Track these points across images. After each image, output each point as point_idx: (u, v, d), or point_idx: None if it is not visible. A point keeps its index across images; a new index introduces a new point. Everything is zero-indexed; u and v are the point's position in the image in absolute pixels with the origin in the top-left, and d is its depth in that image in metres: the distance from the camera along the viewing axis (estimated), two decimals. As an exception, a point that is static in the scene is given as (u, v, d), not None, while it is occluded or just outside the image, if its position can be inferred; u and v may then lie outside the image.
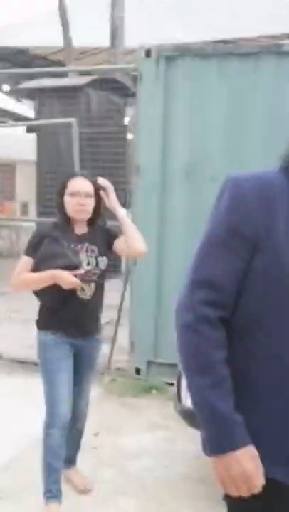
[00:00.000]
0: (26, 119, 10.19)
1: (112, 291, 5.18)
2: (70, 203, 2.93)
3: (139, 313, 4.76)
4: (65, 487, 3.08)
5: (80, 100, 8.77)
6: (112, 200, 2.99)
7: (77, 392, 3.08)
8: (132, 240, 2.93)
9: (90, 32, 11.66)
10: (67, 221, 2.99)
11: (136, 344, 4.80)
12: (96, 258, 2.95)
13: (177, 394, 3.19)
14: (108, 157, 8.49)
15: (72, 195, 2.93)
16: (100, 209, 3.02)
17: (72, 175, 3.04)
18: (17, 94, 11.82)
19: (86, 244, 2.96)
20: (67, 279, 2.82)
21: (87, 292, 2.95)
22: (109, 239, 3.02)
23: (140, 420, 4.14)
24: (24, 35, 14.77)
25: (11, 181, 14.69)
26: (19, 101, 12.67)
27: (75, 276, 2.84)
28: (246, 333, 1.44)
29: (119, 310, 4.99)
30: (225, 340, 1.44)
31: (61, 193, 2.96)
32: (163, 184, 4.61)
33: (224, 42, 15.01)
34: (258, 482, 1.39)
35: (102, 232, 3.04)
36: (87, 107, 8.82)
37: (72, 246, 2.93)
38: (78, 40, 12.43)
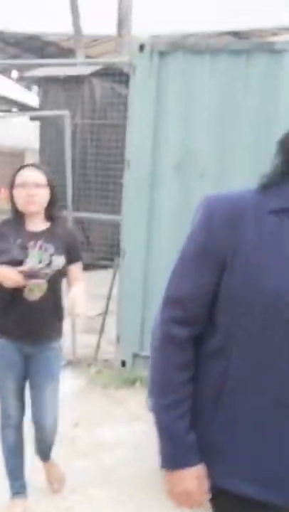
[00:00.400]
0: (31, 107, 10.21)
1: (106, 281, 5.25)
2: (19, 195, 2.70)
3: (126, 306, 4.80)
4: (38, 478, 3.14)
5: (84, 90, 8.78)
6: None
7: (39, 407, 2.85)
8: (73, 301, 2.68)
9: (100, 20, 11.66)
10: (19, 216, 2.76)
11: (122, 336, 4.84)
12: (50, 256, 2.70)
13: None
14: (112, 148, 8.52)
15: (20, 186, 2.70)
16: (54, 200, 2.80)
17: (23, 166, 2.81)
18: (26, 81, 11.85)
19: (40, 241, 2.70)
20: (7, 275, 2.60)
21: (37, 293, 2.69)
22: (71, 252, 2.81)
23: (121, 412, 4.20)
24: (37, 21, 14.76)
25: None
26: (29, 88, 12.69)
27: (21, 273, 2.61)
28: (222, 353, 1.46)
29: (108, 302, 5.04)
30: (191, 361, 1.49)
31: (11, 185, 2.74)
32: (153, 179, 4.63)
33: (237, 34, 14.98)
34: (199, 499, 1.49)
35: (67, 235, 2.83)
36: (92, 97, 8.83)
37: (20, 242, 2.68)
38: (88, 29, 12.44)
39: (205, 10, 14.24)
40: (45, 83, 8.96)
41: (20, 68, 13.51)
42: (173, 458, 1.48)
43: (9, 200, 2.77)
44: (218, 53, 4.40)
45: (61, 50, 16.32)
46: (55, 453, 3.34)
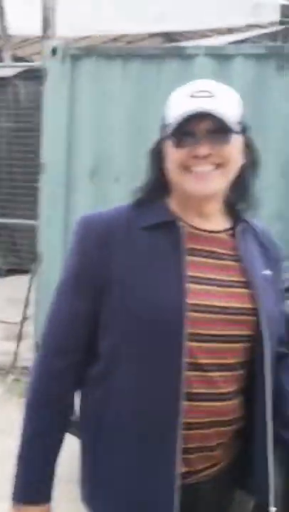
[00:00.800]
0: None
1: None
2: None
3: (43, 311, 4.74)
4: None
5: (8, 92, 8.66)
6: None
7: None
8: None
9: (29, 20, 11.52)
10: None
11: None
12: None
13: None
14: (38, 152, 8.42)
15: None
16: None
17: None
18: None
19: None
20: None
21: None
22: None
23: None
24: None
25: None
26: None
27: None
28: (103, 381, 1.42)
29: (25, 308, 4.99)
30: (67, 392, 1.47)
31: None
32: (68, 183, 4.61)
33: (168, 35, 15.06)
34: None
35: None
36: (16, 100, 8.72)
37: None
38: (18, 29, 12.28)
39: (135, 12, 14.26)
40: None
41: None
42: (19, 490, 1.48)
43: None
44: (130, 58, 4.41)
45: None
46: None
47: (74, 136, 4.55)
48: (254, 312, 1.41)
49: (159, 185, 1.45)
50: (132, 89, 4.40)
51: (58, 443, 1.49)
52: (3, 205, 8.06)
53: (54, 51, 4.52)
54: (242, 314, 1.40)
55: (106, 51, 4.49)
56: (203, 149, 1.35)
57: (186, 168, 1.38)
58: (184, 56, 4.28)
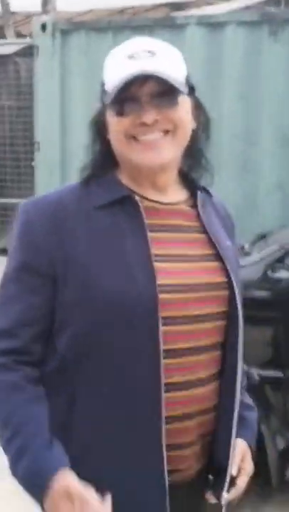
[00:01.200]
0: None
1: None
2: None
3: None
4: None
5: (8, 69, 8.58)
6: None
7: None
8: None
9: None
10: None
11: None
12: None
13: None
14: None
15: None
16: None
17: None
18: None
19: None
20: None
21: None
22: None
23: None
24: None
25: None
26: None
27: None
28: (64, 377, 1.28)
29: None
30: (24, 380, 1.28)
31: None
32: (63, 161, 4.58)
33: (172, 4, 14.86)
34: None
35: None
36: (17, 78, 8.65)
37: None
38: (20, 5, 12.16)
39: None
40: None
41: None
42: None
43: None
44: (121, 30, 4.35)
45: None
46: None
47: (67, 112, 4.51)
48: (227, 286, 1.31)
49: (105, 159, 1.31)
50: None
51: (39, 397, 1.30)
52: (4, 185, 8.04)
53: (44, 27, 4.45)
54: (214, 290, 1.30)
55: (96, 24, 4.42)
56: (149, 115, 1.22)
57: (131, 137, 1.24)
58: (175, 26, 4.20)
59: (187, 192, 1.37)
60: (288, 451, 2.62)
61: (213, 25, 4.11)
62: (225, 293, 1.31)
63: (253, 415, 1.47)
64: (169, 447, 1.25)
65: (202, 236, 1.34)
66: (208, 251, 1.33)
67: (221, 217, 1.42)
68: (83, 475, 1.21)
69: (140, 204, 1.27)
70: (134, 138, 1.24)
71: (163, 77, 1.20)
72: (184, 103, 1.26)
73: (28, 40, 5.04)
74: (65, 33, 4.42)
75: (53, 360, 1.29)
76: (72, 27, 4.42)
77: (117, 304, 1.21)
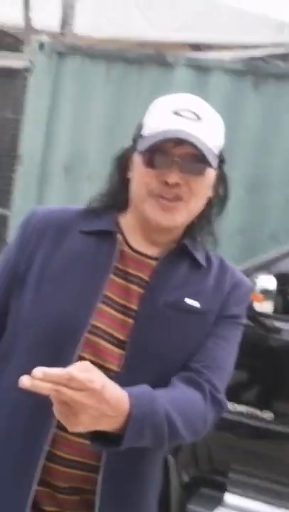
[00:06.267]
0: None
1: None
2: None
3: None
4: None
5: (17, 83, 8.76)
6: None
7: None
8: None
9: (49, 15, 11.66)
10: None
11: None
12: None
13: None
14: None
15: None
16: None
17: None
18: None
19: None
20: None
21: None
22: None
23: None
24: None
25: None
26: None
27: None
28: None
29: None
30: None
31: None
32: (42, 176, 4.69)
33: (191, 45, 15.13)
34: None
35: None
36: (24, 91, 8.82)
37: None
38: (38, 22, 12.40)
39: (160, 19, 14.36)
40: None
41: None
42: None
43: None
44: (114, 60, 4.49)
45: (21, 43, 16.25)
46: None
47: (52, 131, 4.64)
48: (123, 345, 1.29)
49: (117, 197, 1.35)
50: (113, 91, 4.48)
51: None
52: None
53: (41, 46, 4.61)
54: (111, 344, 1.29)
55: (90, 51, 4.57)
56: (174, 177, 1.24)
57: (151, 192, 1.27)
58: (165, 64, 4.35)
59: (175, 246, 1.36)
60: (192, 484, 2.68)
61: (201, 68, 4.25)
62: (118, 351, 1.28)
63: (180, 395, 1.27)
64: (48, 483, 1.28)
65: (139, 290, 1.31)
66: (132, 305, 1.31)
67: (203, 281, 1.35)
68: None
69: (118, 246, 1.31)
70: (154, 193, 1.27)
71: (201, 148, 1.22)
72: (209, 175, 1.28)
73: (26, 56, 5.17)
74: (61, 55, 4.57)
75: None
76: (68, 50, 4.57)
77: (47, 326, 1.27)
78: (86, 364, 1.10)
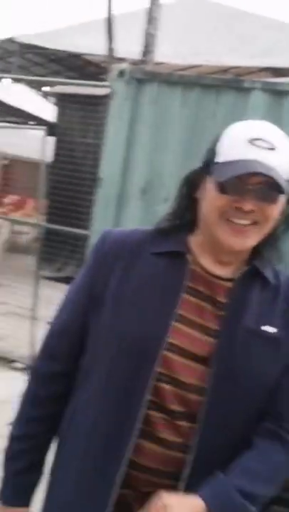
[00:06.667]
0: (47, 122, 10.59)
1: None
2: None
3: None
4: None
5: (99, 109, 9.07)
6: None
7: None
8: None
9: (131, 45, 12.02)
10: None
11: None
12: None
13: None
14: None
15: None
16: None
17: None
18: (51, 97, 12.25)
19: None
20: None
21: None
22: None
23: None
24: (76, 40, 15.23)
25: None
26: (56, 104, 13.11)
27: None
28: (76, 392, 1.45)
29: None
30: (49, 398, 1.46)
31: None
32: (120, 199, 4.84)
33: (276, 69, 15.17)
34: None
35: None
36: (105, 117, 9.11)
37: None
38: (120, 51, 12.80)
39: (243, 45, 14.48)
40: (63, 100, 9.29)
41: (54, 84, 14.04)
42: (1, 490, 1.48)
43: None
44: (190, 86, 4.61)
45: (102, 70, 16.77)
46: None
47: (131, 154, 4.79)
48: (207, 363, 1.34)
49: (184, 216, 1.42)
50: (189, 116, 4.59)
51: (44, 446, 1.51)
52: (80, 217, 8.39)
53: (121, 73, 4.79)
54: (196, 362, 1.34)
55: (168, 77, 4.71)
56: (248, 204, 1.29)
57: (223, 216, 1.32)
58: (241, 89, 4.44)
59: (244, 267, 1.42)
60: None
61: (276, 92, 4.32)
62: (200, 366, 1.34)
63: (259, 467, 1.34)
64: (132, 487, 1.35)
65: (218, 312, 1.37)
66: (210, 324, 1.37)
67: (278, 303, 1.39)
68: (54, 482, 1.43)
69: (188, 265, 1.39)
70: (226, 217, 1.33)
71: (275, 178, 1.27)
72: (281, 200, 1.34)
73: (106, 83, 5.38)
74: (139, 81, 4.74)
75: (78, 375, 1.44)
76: (147, 77, 4.73)
77: (124, 346, 1.33)
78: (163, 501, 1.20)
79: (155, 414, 1.31)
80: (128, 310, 1.35)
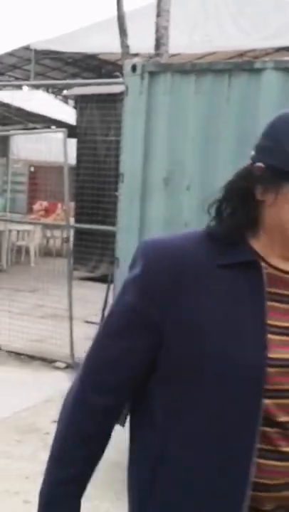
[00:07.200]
0: (67, 125, 10.67)
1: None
2: None
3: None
4: None
5: (118, 106, 9.12)
6: None
7: None
8: None
9: (145, 39, 12.05)
10: None
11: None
12: None
13: None
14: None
15: None
16: None
17: None
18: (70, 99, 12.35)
19: None
20: None
21: None
22: None
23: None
24: (90, 41, 15.32)
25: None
26: (74, 107, 13.22)
27: None
28: (160, 429, 1.28)
29: (103, 311, 5.31)
30: (102, 435, 1.32)
31: None
32: (143, 191, 4.89)
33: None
34: None
35: None
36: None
37: None
38: (135, 47, 12.84)
39: (252, 29, 14.40)
40: (82, 101, 9.38)
41: (71, 87, 14.12)
42: None
43: None
44: (203, 73, 4.64)
45: (119, 68, 16.84)
46: None
47: (150, 147, 4.84)
48: None
49: (245, 223, 1.28)
50: (204, 102, 4.62)
51: (83, 487, 1.34)
52: (108, 214, 8.46)
53: (134, 68, 4.84)
54: None
55: (180, 67, 4.75)
56: None
57: None
58: (253, 70, 4.45)
59: None
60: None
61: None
62: None
63: None
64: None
65: None
66: None
67: None
68: None
69: (264, 271, 1.25)
70: None
71: None
72: None
73: (120, 80, 5.43)
74: (152, 74, 4.78)
75: (146, 409, 1.30)
76: (159, 69, 4.77)
77: (223, 371, 1.20)
78: None
79: (269, 430, 1.23)
80: (216, 334, 1.20)
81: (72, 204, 9.11)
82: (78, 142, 9.58)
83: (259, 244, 1.27)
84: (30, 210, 14.33)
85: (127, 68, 4.91)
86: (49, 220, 12.93)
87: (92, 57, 16.67)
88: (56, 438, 1.32)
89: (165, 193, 4.81)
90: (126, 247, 4.96)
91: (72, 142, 10.01)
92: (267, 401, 1.21)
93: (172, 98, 4.73)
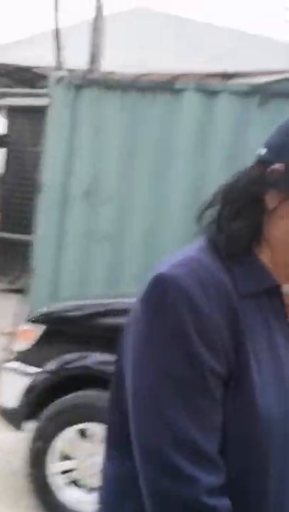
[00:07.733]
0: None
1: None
2: None
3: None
4: None
5: (42, 119, 9.14)
6: None
7: None
8: None
9: (80, 54, 12.15)
10: None
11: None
12: None
13: None
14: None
15: None
16: None
17: None
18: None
19: None
20: None
21: None
22: None
23: None
24: (24, 53, 15.28)
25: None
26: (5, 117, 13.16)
27: None
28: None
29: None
30: None
31: None
32: (63, 203, 4.92)
33: (226, 74, 15.43)
34: None
35: None
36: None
37: None
38: (70, 62, 12.91)
39: (189, 52, 14.72)
40: (13, 111, 9.34)
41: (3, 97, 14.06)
42: None
43: None
44: (128, 89, 4.73)
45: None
46: None
47: (72, 159, 4.88)
48: None
49: (254, 235, 1.06)
50: (127, 118, 4.71)
51: None
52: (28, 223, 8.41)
53: (59, 80, 4.88)
54: None
55: (106, 82, 4.83)
56: None
57: None
58: (175, 90, 4.57)
59: None
60: None
61: (208, 92, 4.46)
62: None
63: None
64: None
65: None
66: None
67: None
68: None
69: (284, 299, 1.09)
70: None
71: None
72: None
73: (45, 91, 5.47)
74: (78, 87, 4.84)
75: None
76: (84, 82, 4.83)
77: (276, 417, 1.03)
78: None
79: None
80: (268, 381, 1.02)
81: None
82: (7, 151, 9.54)
83: (266, 260, 1.07)
84: None
85: (52, 80, 4.95)
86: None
87: (26, 70, 16.58)
88: None
89: (85, 205, 4.86)
90: (42, 257, 4.97)
91: (1, 151, 9.96)
92: None
93: (97, 112, 4.80)
